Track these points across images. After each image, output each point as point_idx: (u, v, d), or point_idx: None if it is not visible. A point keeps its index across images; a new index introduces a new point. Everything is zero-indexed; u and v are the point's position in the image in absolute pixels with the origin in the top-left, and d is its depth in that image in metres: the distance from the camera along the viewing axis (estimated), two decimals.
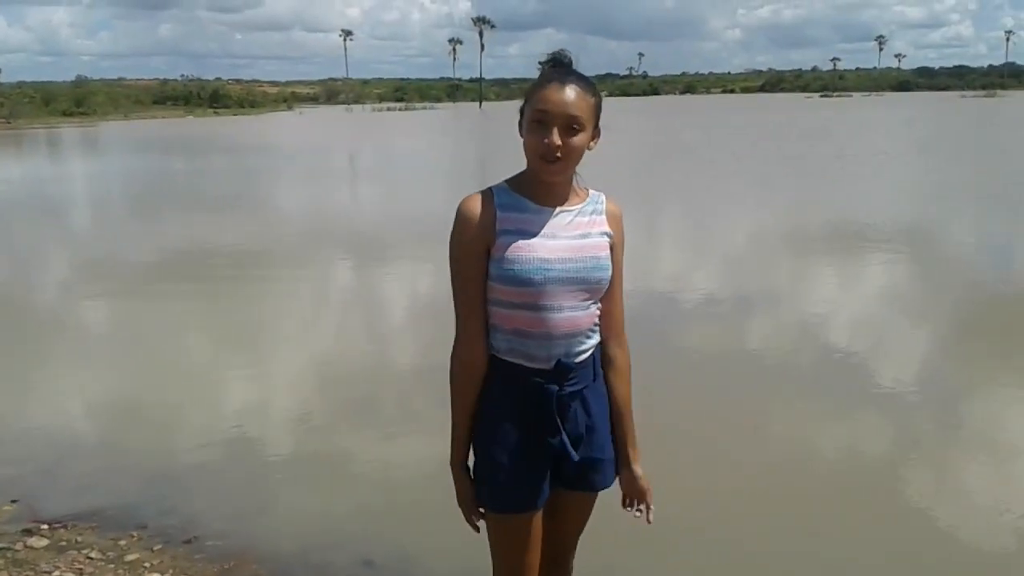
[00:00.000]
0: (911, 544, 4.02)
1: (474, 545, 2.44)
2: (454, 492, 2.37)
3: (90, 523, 4.33)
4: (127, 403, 6.19)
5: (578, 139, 2.16)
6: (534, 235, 2.21)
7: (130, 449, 5.35)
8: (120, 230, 15.40)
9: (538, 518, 2.33)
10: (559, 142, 2.14)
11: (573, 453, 2.28)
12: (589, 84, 2.20)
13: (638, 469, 2.45)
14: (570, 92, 2.15)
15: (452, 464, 2.36)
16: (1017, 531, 4.17)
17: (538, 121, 2.15)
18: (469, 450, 2.36)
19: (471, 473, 2.36)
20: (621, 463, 2.43)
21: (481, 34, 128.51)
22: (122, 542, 4.14)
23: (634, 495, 2.47)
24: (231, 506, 4.52)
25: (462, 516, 2.38)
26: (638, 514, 2.48)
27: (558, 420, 2.25)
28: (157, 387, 6.51)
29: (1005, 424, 5.58)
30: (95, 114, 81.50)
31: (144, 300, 9.47)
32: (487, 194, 2.26)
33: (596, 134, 2.24)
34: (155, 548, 4.07)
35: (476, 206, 2.23)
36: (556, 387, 2.24)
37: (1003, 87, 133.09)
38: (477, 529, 2.39)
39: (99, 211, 18.91)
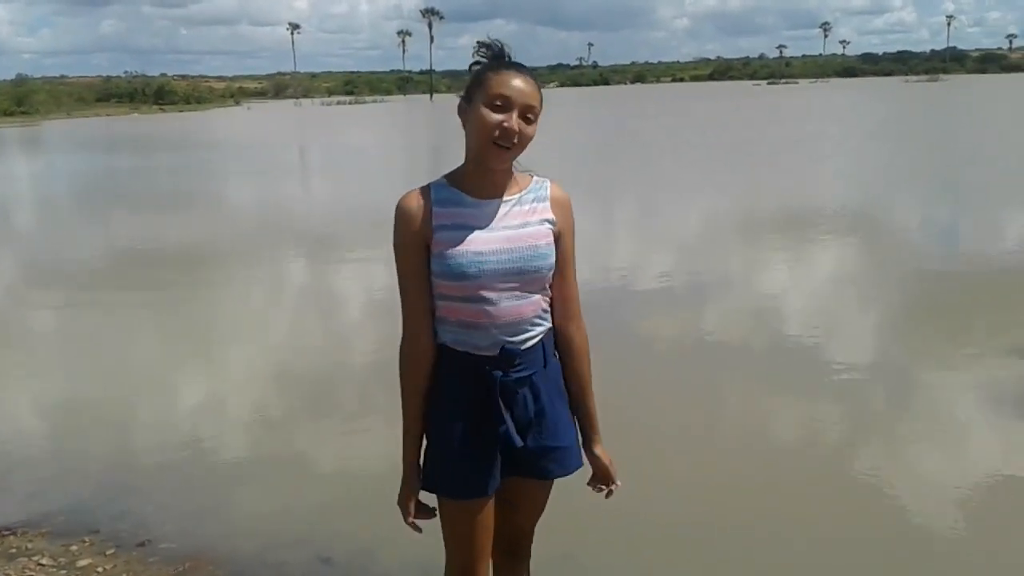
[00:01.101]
0: (866, 522, 4.09)
1: (432, 539, 2.43)
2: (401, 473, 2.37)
3: (40, 529, 4.25)
4: (77, 407, 6.08)
5: (531, 129, 2.19)
6: (470, 228, 2.22)
7: (81, 454, 5.25)
8: (65, 232, 15.08)
9: (489, 505, 2.33)
10: (516, 127, 2.15)
11: (516, 439, 2.27)
12: (535, 76, 2.24)
13: (599, 449, 2.47)
14: (529, 82, 2.19)
15: (404, 462, 2.37)
16: (965, 505, 4.26)
17: (497, 105, 2.16)
18: (421, 448, 2.36)
19: (421, 466, 2.36)
20: (584, 444, 2.45)
21: (430, 26, 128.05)
22: (73, 547, 4.06)
23: (599, 473, 2.49)
24: (185, 508, 4.46)
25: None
26: (600, 490, 2.51)
27: (501, 405, 2.26)
28: (107, 390, 6.40)
29: (954, 403, 5.70)
30: (37, 113, 79.63)
31: (91, 302, 9.30)
32: (424, 190, 2.27)
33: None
34: (107, 553, 4.01)
35: (412, 203, 2.24)
36: (500, 372, 2.25)
37: (945, 71, 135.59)
38: (418, 529, 2.40)
39: (43, 213, 18.50)
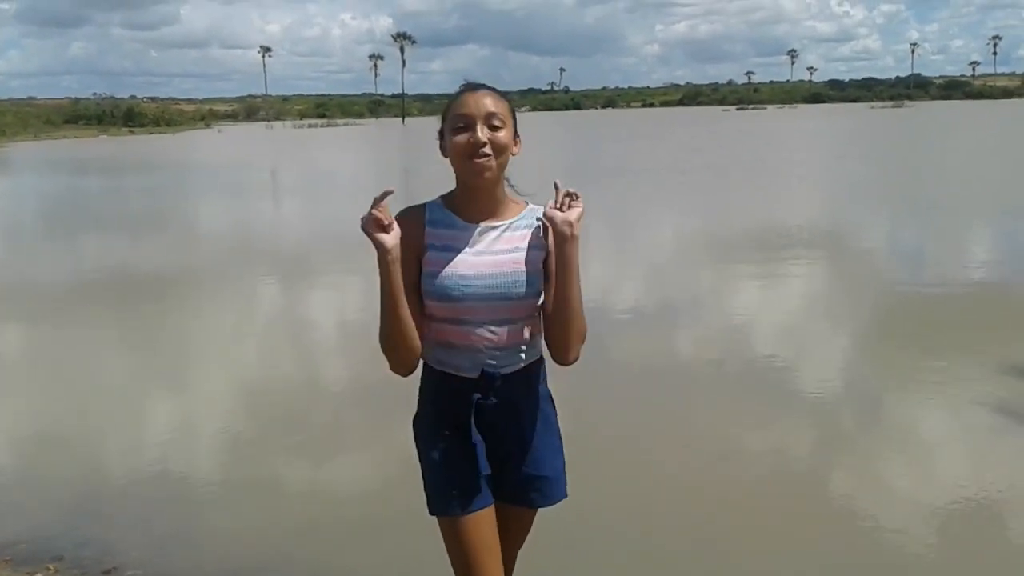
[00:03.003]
0: (837, 539, 4.11)
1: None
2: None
3: (3, 556, 4.15)
4: (40, 432, 5.98)
5: (502, 134, 2.23)
6: (458, 251, 2.25)
7: (46, 479, 5.16)
8: (32, 254, 14.89)
9: (484, 523, 2.30)
10: (484, 138, 2.19)
11: (483, 465, 2.29)
12: (499, 91, 2.30)
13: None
14: (483, 94, 2.25)
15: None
16: (934, 520, 4.30)
17: (460, 127, 2.21)
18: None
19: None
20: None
21: (402, 50, 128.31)
22: (38, 575, 3.98)
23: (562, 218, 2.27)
24: (152, 534, 4.39)
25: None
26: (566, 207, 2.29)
27: (473, 427, 2.27)
28: (73, 415, 6.29)
29: (921, 420, 5.76)
30: (3, 135, 78.65)
31: (58, 325, 9.16)
32: (420, 208, 2.31)
33: (517, 140, 2.30)
34: None
35: (408, 219, 2.27)
36: (478, 395, 2.26)
37: (910, 98, 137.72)
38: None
39: (9, 235, 18.26)
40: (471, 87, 2.28)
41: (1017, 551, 4.04)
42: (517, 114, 2.34)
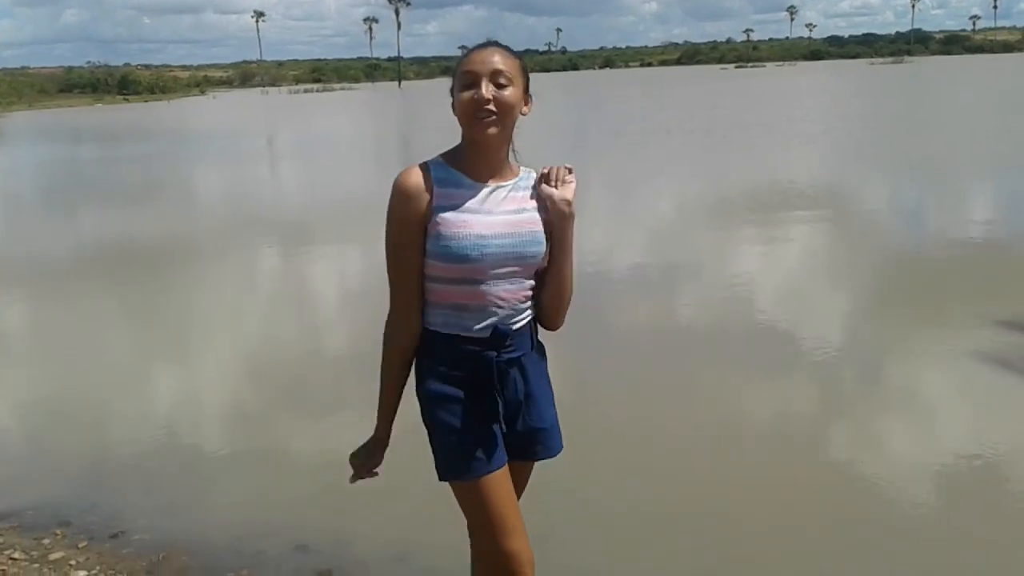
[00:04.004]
0: (839, 497, 4.15)
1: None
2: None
3: (11, 523, 4.20)
4: (47, 402, 6.01)
5: (509, 92, 2.21)
6: (471, 211, 2.23)
7: (52, 447, 5.20)
8: (32, 225, 14.88)
9: (503, 479, 2.30)
10: (489, 95, 2.18)
11: (501, 423, 2.29)
12: (511, 50, 2.27)
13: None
14: (492, 51, 2.24)
15: (378, 420, 2.42)
16: (937, 478, 4.34)
17: (467, 84, 2.21)
18: (391, 423, 2.41)
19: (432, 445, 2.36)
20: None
21: (397, 12, 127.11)
22: (46, 541, 4.03)
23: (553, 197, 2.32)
24: (159, 499, 4.43)
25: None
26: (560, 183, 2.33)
27: (497, 386, 2.28)
28: (78, 383, 6.33)
29: (923, 378, 5.79)
30: None
31: (60, 296, 9.17)
32: (423, 168, 2.27)
33: (528, 99, 2.30)
34: (80, 545, 3.97)
35: (412, 181, 2.24)
36: (495, 353, 2.27)
37: (910, 53, 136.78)
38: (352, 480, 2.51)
39: (6, 206, 18.22)
40: (479, 45, 2.26)
41: (1020, 507, 4.08)
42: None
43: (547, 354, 2.46)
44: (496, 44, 2.27)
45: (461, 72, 2.22)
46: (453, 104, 2.26)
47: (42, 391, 6.25)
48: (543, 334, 2.46)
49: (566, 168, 2.33)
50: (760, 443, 4.81)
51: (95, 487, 4.60)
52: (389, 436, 2.44)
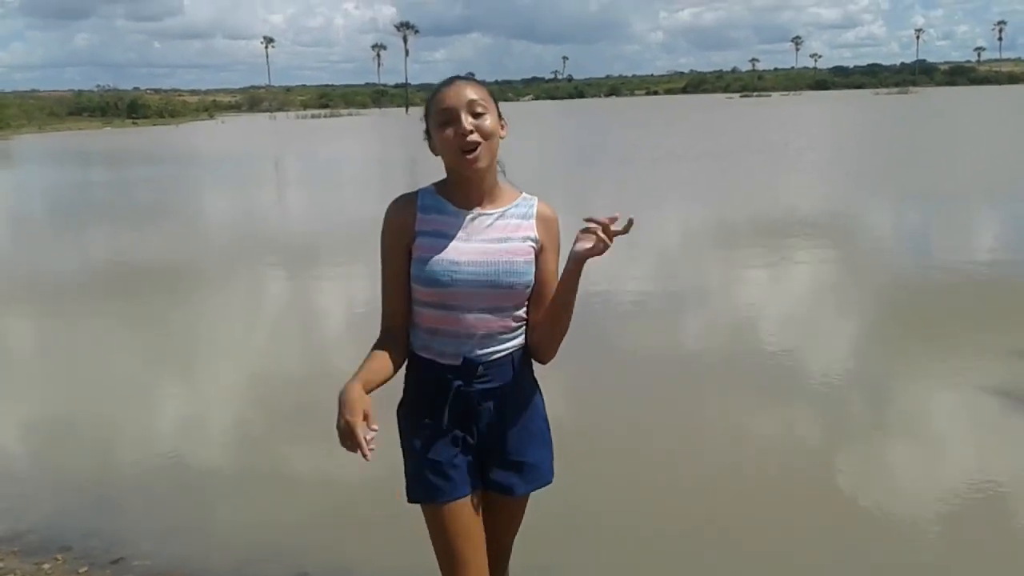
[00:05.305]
0: (845, 524, 4.11)
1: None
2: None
3: (11, 547, 4.18)
4: (50, 423, 6.00)
5: (488, 120, 2.23)
6: (449, 237, 2.26)
7: (54, 470, 5.19)
8: (41, 246, 14.93)
9: (464, 511, 2.30)
10: (470, 126, 2.20)
11: (462, 453, 2.31)
12: (476, 79, 2.30)
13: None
14: (461, 84, 2.26)
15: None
16: (942, 507, 4.31)
17: (445, 121, 2.23)
18: (364, 381, 2.26)
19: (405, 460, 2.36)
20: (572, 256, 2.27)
21: (405, 39, 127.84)
22: (45, 566, 4.01)
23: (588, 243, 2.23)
24: (160, 524, 4.41)
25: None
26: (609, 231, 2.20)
27: (446, 414, 2.28)
28: (81, 405, 6.32)
29: (930, 407, 5.76)
30: (8, 127, 78.63)
31: (66, 316, 9.19)
32: (412, 196, 2.33)
33: (503, 123, 2.31)
34: (80, 571, 3.95)
35: (400, 207, 2.32)
36: (460, 382, 2.27)
37: (915, 84, 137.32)
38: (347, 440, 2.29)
39: (17, 227, 18.29)
40: (446, 82, 2.28)
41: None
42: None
43: (552, 377, 2.44)
44: (460, 77, 2.30)
45: (437, 110, 2.24)
46: (431, 146, 2.30)
47: (46, 411, 6.24)
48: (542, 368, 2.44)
49: (627, 222, 2.21)
50: (764, 471, 4.78)
51: (97, 510, 4.58)
52: (361, 391, 2.25)
